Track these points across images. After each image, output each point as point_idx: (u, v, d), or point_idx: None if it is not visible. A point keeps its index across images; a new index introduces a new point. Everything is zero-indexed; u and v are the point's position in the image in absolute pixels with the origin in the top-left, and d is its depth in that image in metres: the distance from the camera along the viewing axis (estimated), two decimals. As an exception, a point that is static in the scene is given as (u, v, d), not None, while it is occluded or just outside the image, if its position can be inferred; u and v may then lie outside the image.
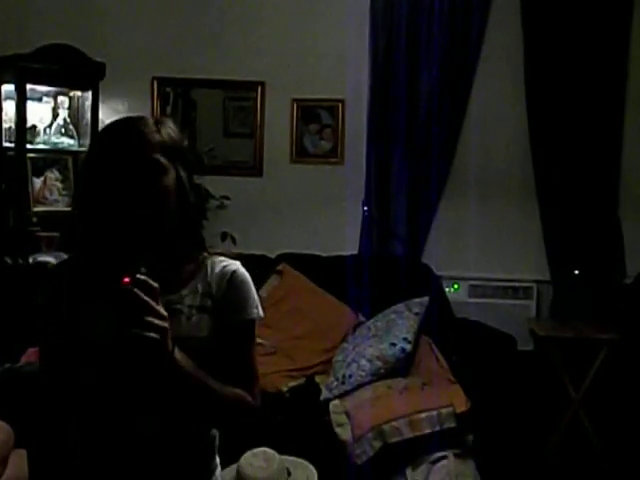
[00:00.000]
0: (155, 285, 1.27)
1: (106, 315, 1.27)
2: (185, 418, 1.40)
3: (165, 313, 1.28)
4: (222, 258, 1.49)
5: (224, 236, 3.97)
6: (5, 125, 4.00)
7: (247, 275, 1.48)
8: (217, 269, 1.46)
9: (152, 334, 1.24)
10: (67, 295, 1.40)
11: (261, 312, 1.48)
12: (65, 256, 3.65)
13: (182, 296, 1.42)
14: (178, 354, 1.31)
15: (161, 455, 1.41)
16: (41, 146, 4.12)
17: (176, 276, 1.43)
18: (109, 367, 1.36)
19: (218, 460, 1.55)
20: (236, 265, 1.48)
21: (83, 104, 4.23)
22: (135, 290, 1.24)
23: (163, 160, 1.35)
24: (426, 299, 3.62)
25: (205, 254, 1.48)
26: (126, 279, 1.24)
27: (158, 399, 1.37)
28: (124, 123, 1.40)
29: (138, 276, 1.25)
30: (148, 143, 1.35)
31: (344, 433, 2.96)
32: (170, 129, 1.40)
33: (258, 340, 1.59)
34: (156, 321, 1.25)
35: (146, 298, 1.24)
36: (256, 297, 1.48)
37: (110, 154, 1.35)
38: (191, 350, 1.35)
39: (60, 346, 1.40)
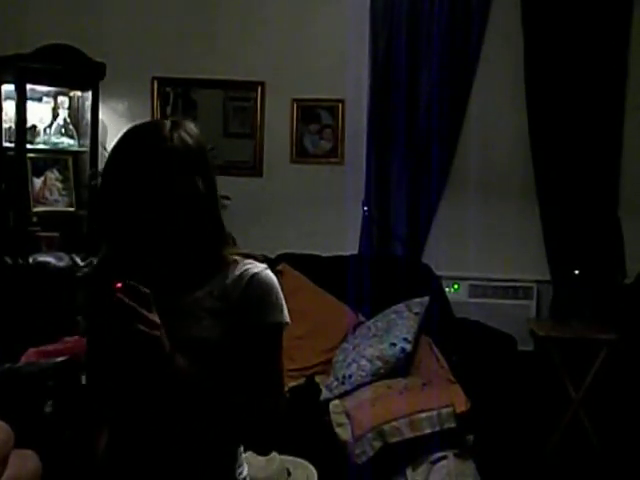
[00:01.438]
0: (146, 291, 1.26)
1: (104, 320, 1.27)
2: (197, 425, 1.37)
3: (157, 320, 1.26)
4: (248, 261, 1.43)
5: (224, 236, 3.97)
6: (5, 125, 4.00)
7: (270, 279, 1.42)
8: (237, 272, 1.41)
9: (139, 341, 1.23)
10: (92, 297, 1.40)
11: (287, 317, 1.41)
12: (66, 256, 3.66)
13: (196, 298, 1.39)
14: (179, 360, 1.29)
15: (181, 463, 1.39)
16: (41, 146, 4.13)
17: (192, 278, 1.41)
18: (118, 370, 1.36)
19: (245, 472, 1.50)
20: (259, 268, 1.42)
21: (83, 104, 4.23)
22: (121, 296, 1.23)
23: (174, 168, 1.33)
24: (426, 299, 3.62)
25: (231, 256, 1.43)
26: (118, 284, 1.24)
27: (165, 404, 1.36)
28: (137, 131, 1.39)
29: (128, 282, 1.24)
30: (158, 152, 1.33)
31: (344, 433, 2.96)
32: (185, 133, 1.37)
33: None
34: (143, 328, 1.23)
35: (132, 304, 1.23)
36: (281, 301, 1.42)
37: (123, 163, 1.35)
38: (202, 353, 1.34)
39: (93, 346, 1.43)
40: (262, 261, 1.46)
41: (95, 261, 1.56)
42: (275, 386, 1.41)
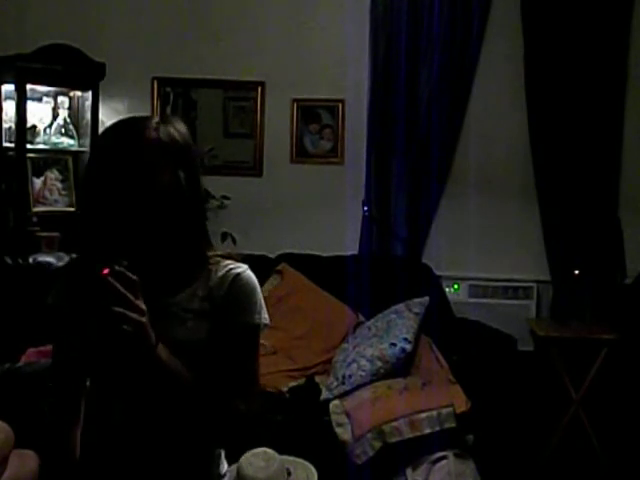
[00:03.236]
0: (134, 278, 1.25)
1: (89, 308, 1.25)
2: (176, 419, 1.36)
3: (143, 307, 1.25)
4: (229, 261, 1.44)
5: (224, 236, 3.97)
6: (5, 125, 4.00)
7: (252, 279, 1.43)
8: (220, 273, 1.41)
9: (125, 327, 1.22)
10: (69, 293, 1.38)
11: (266, 318, 1.42)
12: (66, 256, 3.67)
13: (180, 299, 1.39)
14: (162, 351, 1.29)
15: (162, 455, 1.39)
16: (41, 146, 4.13)
17: (176, 279, 1.40)
18: (100, 361, 1.34)
19: (226, 466, 1.50)
20: (241, 268, 1.43)
21: (83, 104, 4.23)
22: (109, 280, 1.22)
23: (156, 159, 1.33)
24: (426, 299, 3.62)
25: (212, 257, 1.44)
26: (105, 271, 1.23)
27: (146, 394, 1.35)
28: (123, 123, 1.39)
29: (116, 268, 1.24)
30: (140, 141, 1.33)
31: (344, 433, 2.96)
32: (173, 128, 1.38)
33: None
34: (131, 314, 1.22)
35: (121, 290, 1.22)
36: (261, 302, 1.43)
37: (106, 153, 1.35)
38: (187, 354, 1.33)
39: (66, 343, 1.39)
40: (241, 261, 1.46)
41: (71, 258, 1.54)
42: (249, 386, 1.41)
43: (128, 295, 1.23)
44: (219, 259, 1.44)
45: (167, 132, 1.36)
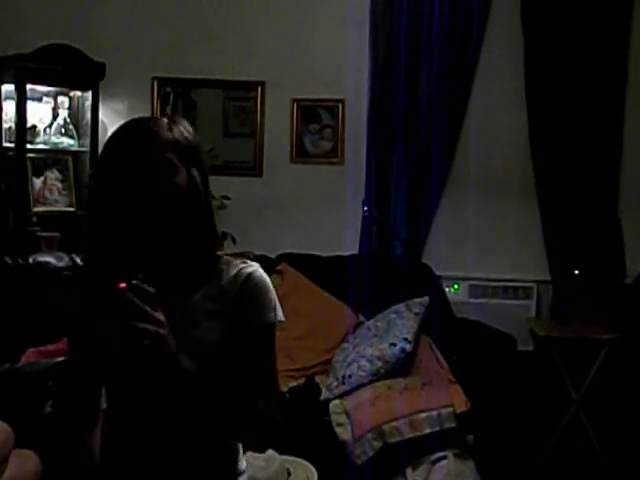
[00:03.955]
0: (151, 290, 1.24)
1: (109, 323, 1.24)
2: (198, 423, 1.37)
3: (162, 319, 1.25)
4: (241, 260, 1.45)
5: (224, 236, 3.97)
6: (5, 125, 4.00)
7: (265, 278, 1.43)
8: (232, 272, 1.41)
9: (146, 340, 1.22)
10: (85, 304, 1.37)
11: (281, 316, 1.43)
12: (66, 256, 3.66)
13: (194, 301, 1.39)
14: (183, 359, 1.28)
15: (179, 459, 1.39)
16: (41, 146, 4.13)
17: (189, 280, 1.40)
18: (119, 370, 1.34)
19: (244, 465, 1.51)
20: (253, 267, 1.43)
21: (83, 104, 4.23)
22: (128, 295, 1.22)
23: (174, 159, 1.34)
24: (426, 299, 3.62)
25: (223, 257, 1.44)
26: (122, 285, 1.23)
27: (168, 403, 1.35)
28: (136, 123, 1.39)
29: (133, 282, 1.23)
30: (159, 141, 1.34)
31: (344, 433, 2.96)
32: (184, 129, 1.39)
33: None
34: (150, 327, 1.22)
35: (139, 303, 1.22)
36: (274, 300, 1.43)
37: (120, 153, 1.34)
38: (203, 356, 1.33)
39: (82, 348, 1.36)
40: (253, 259, 1.46)
41: (80, 262, 1.53)
42: (270, 385, 1.42)
43: (147, 309, 1.23)
44: (230, 258, 1.45)
45: (180, 132, 1.37)
